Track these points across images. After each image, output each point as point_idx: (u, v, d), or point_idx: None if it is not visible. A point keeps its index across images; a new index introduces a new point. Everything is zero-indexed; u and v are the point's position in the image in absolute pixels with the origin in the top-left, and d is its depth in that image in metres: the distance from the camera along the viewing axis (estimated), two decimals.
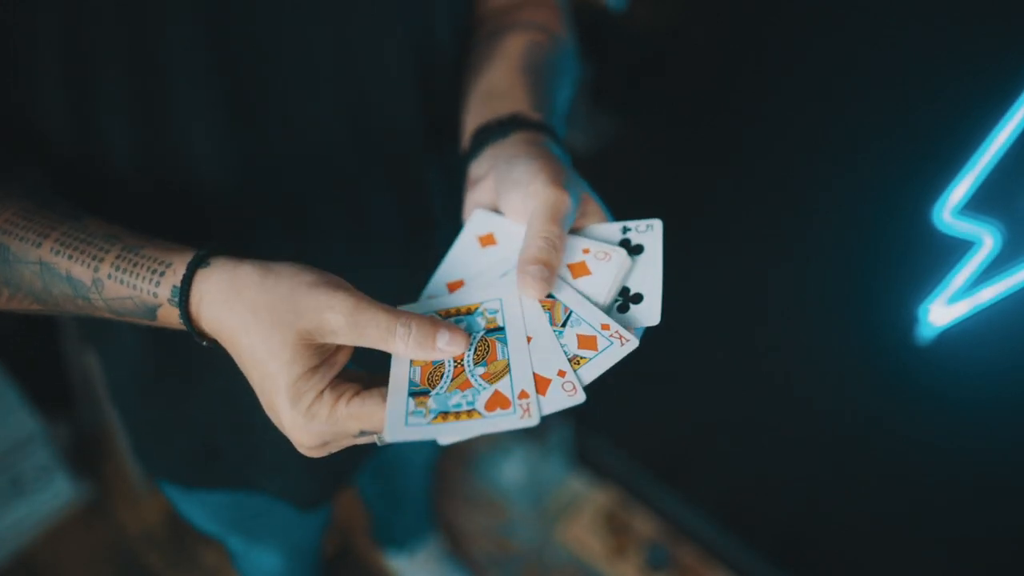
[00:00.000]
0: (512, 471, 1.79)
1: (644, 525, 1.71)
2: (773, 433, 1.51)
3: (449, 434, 0.43)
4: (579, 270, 0.49)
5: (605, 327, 0.46)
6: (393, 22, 0.60)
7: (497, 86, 0.62)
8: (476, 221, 0.54)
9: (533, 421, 0.43)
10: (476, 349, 0.47)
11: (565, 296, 0.48)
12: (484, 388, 0.45)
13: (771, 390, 1.48)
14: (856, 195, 1.20)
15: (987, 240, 1.03)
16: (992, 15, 0.97)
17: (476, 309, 0.49)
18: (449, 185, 0.75)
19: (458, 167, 0.74)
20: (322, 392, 0.44)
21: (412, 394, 0.45)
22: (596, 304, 0.48)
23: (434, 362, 0.46)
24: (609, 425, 1.75)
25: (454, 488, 1.77)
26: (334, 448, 0.46)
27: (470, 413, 0.44)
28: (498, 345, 0.47)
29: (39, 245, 0.46)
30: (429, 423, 0.43)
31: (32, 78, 0.50)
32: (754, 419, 1.53)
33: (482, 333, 0.48)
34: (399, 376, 0.46)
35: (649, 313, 0.47)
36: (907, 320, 1.15)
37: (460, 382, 0.46)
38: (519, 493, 1.76)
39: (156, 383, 0.71)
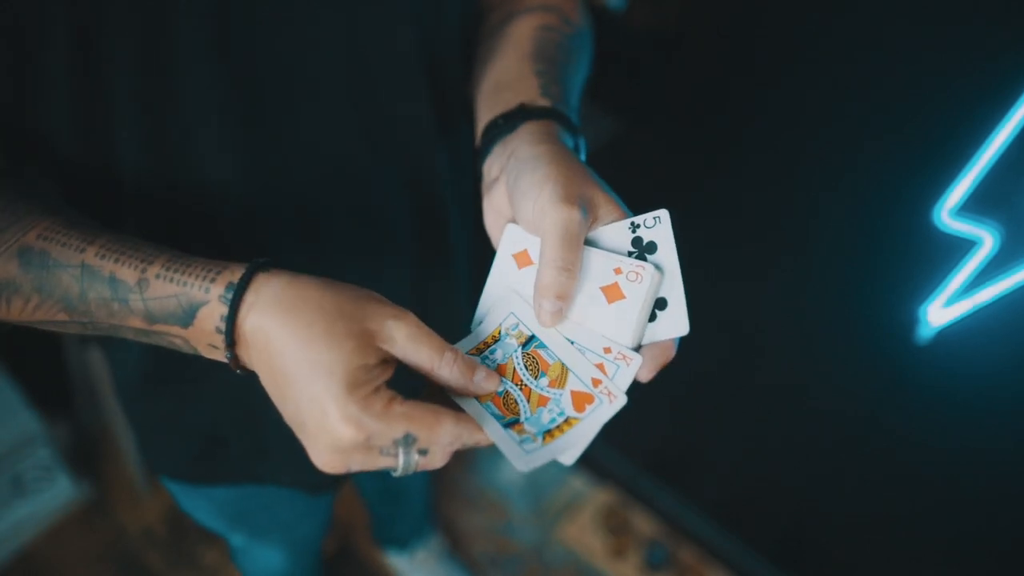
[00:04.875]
0: (512, 471, 1.79)
1: (644, 525, 1.71)
2: (773, 433, 1.52)
3: (568, 448, 0.44)
4: (614, 294, 0.47)
5: (596, 382, 0.46)
6: (403, 13, 0.59)
7: (506, 77, 0.60)
8: (509, 238, 0.52)
9: (622, 401, 0.45)
10: (526, 366, 0.47)
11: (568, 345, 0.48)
12: (560, 394, 0.46)
13: (770, 390, 1.48)
14: (856, 195, 1.20)
15: (986, 240, 1.03)
16: (991, 16, 0.97)
17: (500, 334, 0.50)
18: (456, 170, 0.74)
19: (464, 151, 0.73)
20: (378, 388, 0.43)
21: (505, 426, 0.45)
22: (634, 330, 0.47)
23: (499, 392, 0.47)
24: (609, 425, 1.75)
25: (454, 488, 1.77)
26: (356, 464, 0.44)
27: (568, 422, 0.45)
28: (541, 352, 0.48)
29: (83, 251, 0.46)
30: (543, 446, 0.44)
31: (41, 86, 0.50)
32: (754, 419, 1.53)
33: (520, 350, 0.48)
34: (481, 413, 0.45)
35: (675, 322, 0.47)
36: (906, 320, 1.15)
37: (536, 400, 0.46)
38: (519, 493, 1.76)
39: (163, 378, 0.71)
